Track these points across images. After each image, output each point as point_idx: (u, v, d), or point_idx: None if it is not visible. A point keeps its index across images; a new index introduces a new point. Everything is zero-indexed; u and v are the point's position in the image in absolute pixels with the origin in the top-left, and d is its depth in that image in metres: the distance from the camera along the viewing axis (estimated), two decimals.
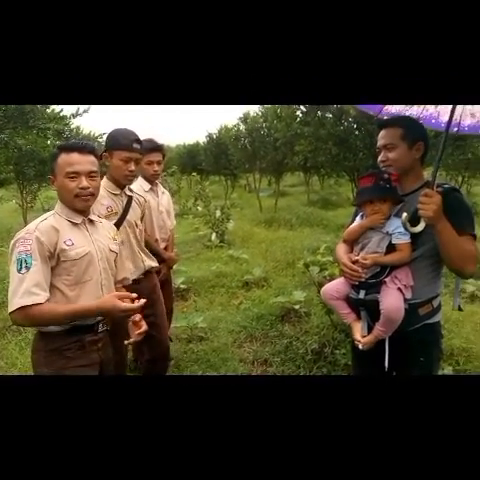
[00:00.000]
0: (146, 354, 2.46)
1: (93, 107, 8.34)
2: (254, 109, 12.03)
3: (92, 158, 1.56)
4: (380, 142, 1.60)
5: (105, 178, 2.14)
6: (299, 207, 10.51)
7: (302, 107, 8.65)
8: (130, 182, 2.17)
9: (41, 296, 1.40)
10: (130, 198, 2.18)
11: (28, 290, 1.38)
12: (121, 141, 2.04)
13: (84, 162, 1.52)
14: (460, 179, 9.49)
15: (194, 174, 9.23)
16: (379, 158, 1.61)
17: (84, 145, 1.55)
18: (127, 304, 1.49)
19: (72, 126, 8.93)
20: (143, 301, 1.53)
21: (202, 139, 16.58)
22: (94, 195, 1.58)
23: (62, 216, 1.54)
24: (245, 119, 12.04)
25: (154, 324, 2.16)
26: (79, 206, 1.54)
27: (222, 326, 3.57)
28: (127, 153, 2.03)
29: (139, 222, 2.25)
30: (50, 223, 1.48)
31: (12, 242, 1.47)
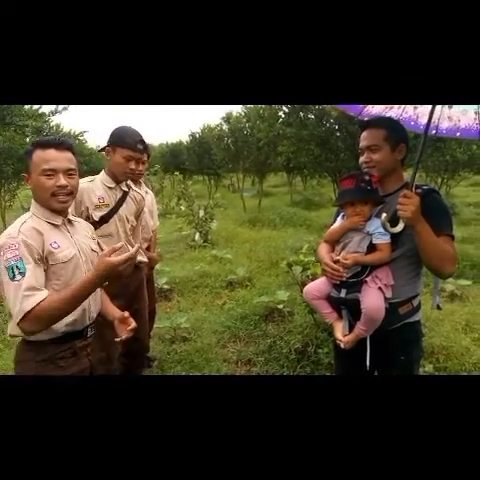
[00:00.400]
0: (122, 348, 2.44)
1: (72, 105, 8.21)
2: (237, 109, 12.06)
3: (70, 155, 1.46)
4: (363, 143, 1.61)
5: (103, 172, 2.21)
6: (282, 207, 10.56)
7: (284, 108, 8.70)
8: (127, 179, 2.23)
9: (40, 295, 1.31)
10: (125, 193, 2.23)
11: (26, 295, 1.30)
12: (126, 139, 2.11)
13: (61, 159, 1.42)
14: (439, 180, 9.70)
15: (177, 173, 9.14)
16: (362, 159, 1.62)
17: (61, 141, 1.45)
18: (120, 257, 1.36)
19: (51, 124, 8.77)
20: (137, 246, 1.44)
21: (185, 138, 16.50)
22: (73, 194, 1.48)
23: (40, 218, 1.44)
24: (228, 119, 12.03)
25: (135, 319, 2.15)
26: (56, 206, 1.44)
27: (206, 326, 3.57)
28: (130, 152, 2.10)
29: (132, 218, 2.29)
30: (31, 225, 1.39)
31: None
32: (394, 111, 1.99)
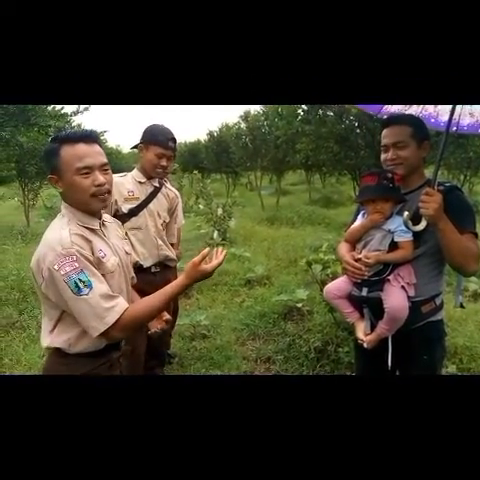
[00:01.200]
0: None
1: (94, 105, 8.38)
2: (255, 107, 12.07)
3: (99, 148, 1.30)
4: (389, 140, 1.57)
5: (135, 168, 2.30)
6: (301, 205, 10.52)
7: (303, 105, 8.66)
8: (158, 176, 2.28)
9: (120, 303, 1.25)
10: (156, 189, 2.30)
11: (105, 307, 1.21)
12: (158, 137, 2.17)
13: (94, 154, 1.26)
14: (462, 178, 9.49)
15: (195, 172, 9.19)
16: (388, 156, 1.58)
17: (89, 133, 1.28)
18: (213, 264, 1.31)
19: (73, 124, 8.96)
20: (225, 252, 1.36)
21: (203, 137, 16.61)
22: (110, 192, 1.33)
23: (79, 223, 1.28)
24: (246, 117, 12.05)
25: (131, 340, 2.16)
26: (97, 207, 1.29)
27: (225, 324, 3.59)
28: (162, 149, 2.17)
29: (164, 214, 2.36)
30: (77, 233, 1.24)
31: (42, 266, 1.20)
32: (413, 109, 1.97)
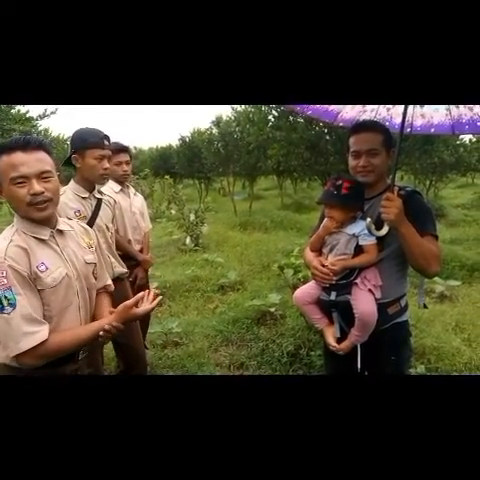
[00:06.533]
0: (121, 365, 2.42)
1: (61, 108, 8.18)
2: (227, 113, 12.08)
3: (42, 155, 1.26)
4: (361, 146, 1.56)
5: (72, 181, 2.08)
6: (273, 210, 10.59)
7: (274, 111, 8.75)
8: (104, 181, 2.13)
9: (42, 332, 1.20)
10: (99, 201, 2.13)
11: (24, 331, 1.17)
12: (90, 139, 1.98)
13: (31, 161, 1.22)
14: (428, 183, 9.83)
15: (167, 177, 9.13)
16: (359, 163, 1.57)
17: (28, 140, 1.24)
18: (145, 308, 1.37)
19: (40, 128, 8.70)
20: (160, 297, 1.42)
21: (175, 142, 16.49)
22: (52, 200, 1.28)
23: (26, 233, 1.27)
24: (218, 123, 12.05)
25: (126, 333, 2.09)
26: (36, 216, 1.26)
27: (198, 331, 3.55)
28: (100, 151, 1.99)
29: (110, 224, 2.20)
30: (17, 244, 1.22)
31: None
32: (367, 114, 2.00)
